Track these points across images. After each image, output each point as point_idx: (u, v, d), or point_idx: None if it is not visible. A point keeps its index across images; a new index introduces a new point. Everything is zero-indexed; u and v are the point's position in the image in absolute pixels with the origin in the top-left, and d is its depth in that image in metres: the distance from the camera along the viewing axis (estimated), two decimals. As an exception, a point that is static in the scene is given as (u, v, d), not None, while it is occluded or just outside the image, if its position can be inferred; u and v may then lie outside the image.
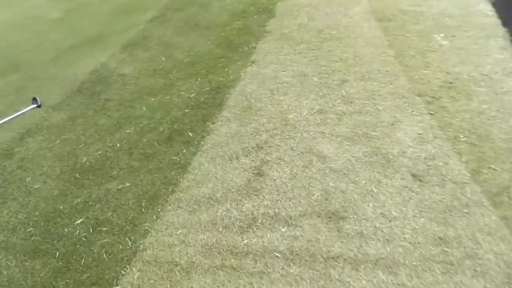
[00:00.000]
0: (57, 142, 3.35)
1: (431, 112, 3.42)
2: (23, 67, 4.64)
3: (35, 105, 4.02)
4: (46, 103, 3.93)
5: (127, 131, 3.49)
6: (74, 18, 6.04)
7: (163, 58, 4.67)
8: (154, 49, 4.88)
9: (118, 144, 3.30)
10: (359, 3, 5.77)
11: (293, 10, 5.72)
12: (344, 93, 3.78)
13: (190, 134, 3.40)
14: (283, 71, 4.24)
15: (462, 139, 3.13)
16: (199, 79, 4.22)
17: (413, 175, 2.82)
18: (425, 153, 3.00)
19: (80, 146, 3.28)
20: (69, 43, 5.19)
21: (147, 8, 6.18)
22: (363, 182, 2.79)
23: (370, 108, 3.54)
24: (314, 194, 2.71)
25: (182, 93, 4.00)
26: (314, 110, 3.57)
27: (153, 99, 3.93)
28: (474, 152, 3.00)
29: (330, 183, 2.79)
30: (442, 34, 4.68)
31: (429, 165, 2.89)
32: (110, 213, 2.64)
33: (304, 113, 3.55)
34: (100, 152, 3.20)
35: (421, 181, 2.77)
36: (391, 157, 2.99)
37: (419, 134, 3.20)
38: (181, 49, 4.85)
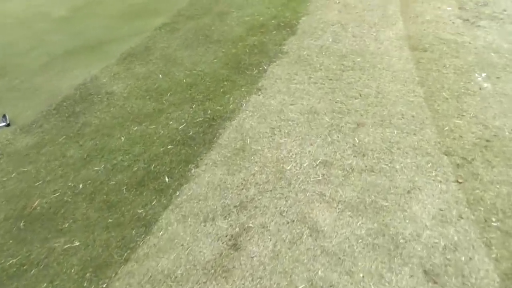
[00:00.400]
0: (13, 175, 2.95)
1: (459, 180, 2.79)
2: (8, 73, 4.29)
3: (3, 124, 3.65)
4: (18, 122, 3.56)
5: (95, 168, 3.05)
6: (79, 18, 5.68)
7: (160, 75, 4.20)
8: (153, 63, 4.42)
9: (81, 185, 2.85)
10: (394, 25, 5.12)
11: (318, 28, 5.13)
12: (357, 141, 3.19)
13: (167, 180, 2.91)
14: (292, 104, 3.68)
15: (494, 223, 2.49)
16: (194, 106, 3.73)
17: (426, 272, 2.22)
18: (445, 240, 2.39)
19: (38, 183, 2.86)
20: (66, 47, 4.82)
21: (159, 13, 5.74)
22: (361, 275, 2.22)
23: (385, 166, 2.93)
24: (296, 286, 2.16)
25: (171, 122, 3.52)
26: (318, 161, 3.01)
27: (136, 127, 3.47)
28: (508, 245, 2.36)
29: (319, 272, 2.24)
30: (484, 74, 3.98)
31: (448, 259, 2.28)
32: (44, 284, 2.19)
33: (305, 164, 2.99)
34: (58, 194, 2.76)
35: (435, 282, 2.17)
36: (402, 241, 2.39)
37: (440, 210, 2.58)
38: (183, 65, 4.37)
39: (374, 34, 4.93)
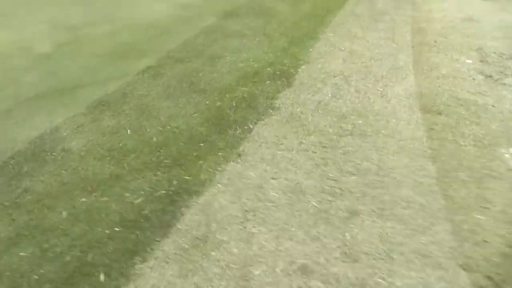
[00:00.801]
0: None
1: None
2: (-37, 121, 3.80)
3: None
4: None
5: (21, 254, 2.44)
6: (62, 56, 5.23)
7: (129, 131, 3.64)
8: (125, 115, 3.87)
9: (-6, 280, 2.25)
10: (404, 79, 4.52)
11: (317, 80, 4.56)
12: (348, 238, 2.51)
13: (102, 278, 2.28)
14: (274, 178, 3.04)
15: None
16: (158, 173, 3.12)
17: None
18: None
19: None
20: (37, 90, 4.33)
21: (147, 54, 5.27)
22: None
23: (381, 280, 2.23)
24: None
25: (127, 194, 2.91)
26: (295, 266, 2.33)
27: (84, 199, 2.87)
28: None
29: None
30: (512, 149, 3.30)
31: None
32: None
33: (278, 269, 2.31)
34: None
35: None
36: None
37: None
38: (158, 120, 3.80)
39: (381, 89, 4.32)
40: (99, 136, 3.58)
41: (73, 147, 3.42)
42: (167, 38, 5.84)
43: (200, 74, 4.71)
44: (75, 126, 3.71)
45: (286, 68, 4.89)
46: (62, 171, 3.15)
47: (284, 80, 4.59)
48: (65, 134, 3.59)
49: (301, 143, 3.46)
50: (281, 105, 4.06)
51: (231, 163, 3.24)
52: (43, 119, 3.81)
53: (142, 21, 6.57)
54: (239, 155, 3.33)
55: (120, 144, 3.46)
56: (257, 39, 5.82)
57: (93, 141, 3.51)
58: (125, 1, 7.87)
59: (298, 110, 3.96)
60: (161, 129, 3.66)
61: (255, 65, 4.94)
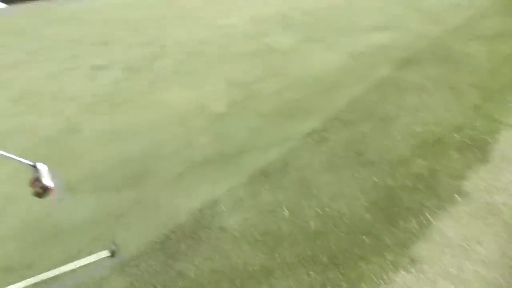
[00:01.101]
0: None
1: None
2: (142, 182, 4.11)
3: (108, 253, 3.38)
4: (124, 251, 3.20)
5: None
6: (233, 116, 5.38)
7: (286, 211, 3.36)
8: (284, 190, 3.62)
9: None
10: None
11: (526, 153, 3.48)
12: None
13: None
14: (461, 307, 2.27)
15: None
16: (311, 272, 2.71)
17: None
18: None
19: None
20: (206, 154, 4.48)
21: (312, 114, 5.00)
22: None
23: None
24: None
25: (274, 298, 2.59)
26: None
27: (228, 296, 2.67)
28: None
29: None
30: None
31: None
32: None
33: None
34: None
35: None
36: None
37: None
38: (318, 199, 3.42)
39: None
40: (256, 214, 3.40)
41: (229, 226, 3.32)
42: (335, 94, 5.51)
43: (368, 140, 4.17)
44: (235, 200, 3.63)
45: (478, 134, 3.92)
46: (215, 255, 3.04)
47: (477, 151, 3.66)
48: (223, 208, 3.54)
49: (505, 254, 2.56)
50: (472, 190, 3.19)
51: (401, 272, 2.59)
52: (206, 189, 3.86)
53: (311, 75, 6.43)
54: (412, 261, 2.65)
55: (275, 227, 3.20)
56: (440, 93, 4.95)
57: (249, 220, 3.34)
58: (296, 53, 7.92)
59: (499, 199, 3.03)
60: (320, 212, 3.27)
61: (437, 130, 4.13)
